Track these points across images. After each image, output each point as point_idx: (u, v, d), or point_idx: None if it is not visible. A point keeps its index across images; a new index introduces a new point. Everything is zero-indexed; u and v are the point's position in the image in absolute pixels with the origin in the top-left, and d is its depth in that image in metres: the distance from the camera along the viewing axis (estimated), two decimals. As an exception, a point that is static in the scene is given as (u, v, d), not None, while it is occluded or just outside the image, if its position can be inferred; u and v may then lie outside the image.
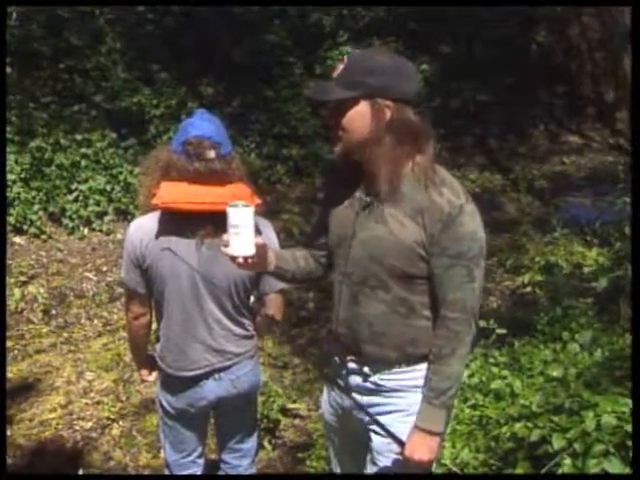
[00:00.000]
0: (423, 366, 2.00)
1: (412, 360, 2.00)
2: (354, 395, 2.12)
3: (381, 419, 2.06)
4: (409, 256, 1.90)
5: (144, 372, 2.70)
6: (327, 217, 2.10)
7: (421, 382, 2.01)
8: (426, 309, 1.97)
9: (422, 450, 1.95)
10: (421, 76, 9.11)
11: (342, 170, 2.05)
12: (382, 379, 2.04)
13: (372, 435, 2.09)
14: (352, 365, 2.09)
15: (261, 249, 1.95)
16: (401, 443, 1.99)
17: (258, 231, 2.33)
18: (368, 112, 1.86)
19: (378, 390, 2.06)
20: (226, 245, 1.90)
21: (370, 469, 2.12)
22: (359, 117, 1.86)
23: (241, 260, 1.90)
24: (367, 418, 2.10)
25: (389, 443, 2.04)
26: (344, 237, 2.01)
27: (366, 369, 2.06)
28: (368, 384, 2.07)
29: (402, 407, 2.02)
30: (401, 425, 2.01)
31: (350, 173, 2.00)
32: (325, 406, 2.29)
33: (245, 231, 1.88)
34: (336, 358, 2.18)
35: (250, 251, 1.90)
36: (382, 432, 2.05)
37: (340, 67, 1.87)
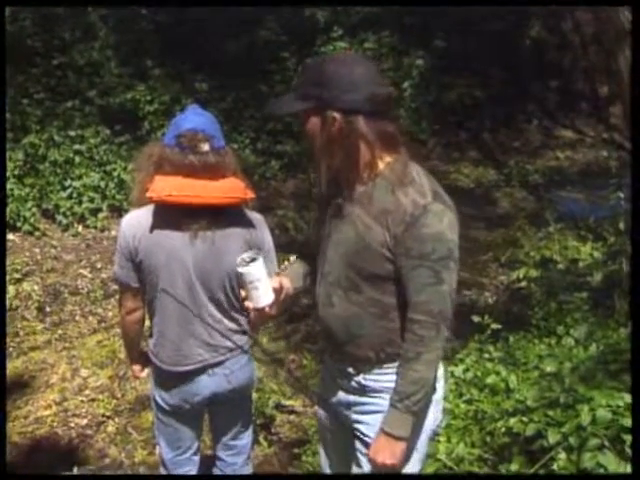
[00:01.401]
0: None
1: (392, 359, 1.98)
2: (342, 393, 2.12)
3: (365, 418, 2.06)
4: (375, 258, 1.89)
5: (136, 368, 2.70)
6: (318, 219, 2.13)
7: None
8: (398, 310, 1.95)
9: (384, 453, 1.95)
10: (416, 71, 9.14)
11: (324, 175, 2.07)
12: (366, 379, 2.04)
13: (357, 435, 2.09)
14: (337, 364, 2.11)
15: (279, 291, 2.01)
16: (366, 445, 2.01)
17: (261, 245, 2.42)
18: (318, 124, 1.87)
19: (363, 390, 2.06)
20: (245, 300, 1.99)
21: (355, 469, 2.12)
22: (312, 128, 1.89)
23: (267, 309, 1.98)
24: (353, 416, 2.10)
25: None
26: (322, 238, 2.04)
27: (350, 369, 2.06)
28: (353, 383, 2.07)
29: (384, 408, 2.00)
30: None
31: (333, 177, 2.01)
32: (319, 402, 2.30)
33: (261, 283, 1.96)
34: (326, 355, 2.21)
35: (271, 298, 1.98)
36: (369, 433, 2.04)
37: (297, 78, 1.90)
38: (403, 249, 1.85)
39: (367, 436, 2.05)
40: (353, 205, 1.93)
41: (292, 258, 2.26)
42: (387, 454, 1.95)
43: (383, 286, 1.93)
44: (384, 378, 2.01)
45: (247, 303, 2.00)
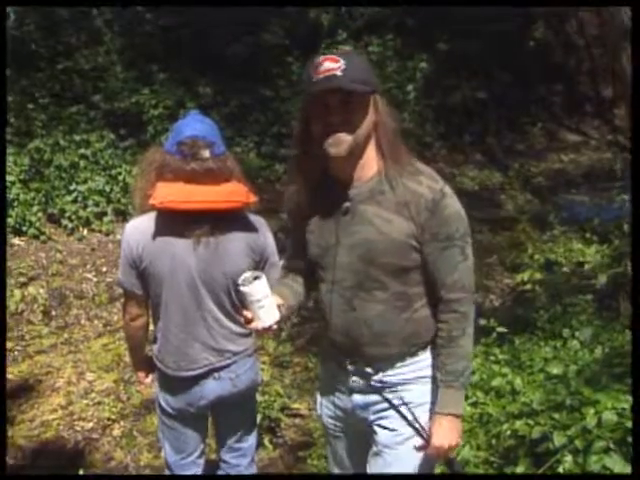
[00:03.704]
0: (424, 356, 2.02)
1: (414, 351, 2.01)
2: (356, 396, 2.10)
3: (386, 414, 2.06)
4: (402, 250, 1.91)
5: (141, 375, 2.70)
6: (303, 231, 2.08)
7: (424, 373, 2.03)
8: (422, 298, 1.99)
9: (452, 435, 1.96)
10: (420, 74, 9.14)
11: (310, 183, 2.04)
12: (385, 375, 2.04)
13: (377, 429, 2.08)
14: (353, 367, 2.08)
15: (282, 307, 1.97)
16: (424, 436, 1.99)
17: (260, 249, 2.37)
18: (372, 106, 1.88)
19: (382, 387, 2.05)
20: (250, 321, 1.92)
21: (374, 462, 2.11)
22: (369, 112, 1.87)
23: (275, 327, 1.93)
24: (371, 416, 2.09)
25: (396, 435, 2.04)
26: (327, 246, 2.00)
27: (368, 370, 2.05)
28: (372, 383, 2.06)
29: (407, 399, 2.03)
30: (407, 417, 2.01)
31: (319, 184, 2.00)
32: (323, 411, 2.26)
33: (268, 301, 1.89)
34: (332, 363, 2.16)
35: (277, 315, 1.92)
36: (392, 425, 2.05)
37: (337, 64, 1.82)
38: (429, 235, 1.90)
39: (394, 430, 2.04)
40: (363, 204, 1.93)
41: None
42: (455, 435, 1.97)
43: (408, 277, 1.95)
44: (403, 370, 2.03)
45: (254, 324, 1.91)
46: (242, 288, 1.88)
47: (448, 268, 1.93)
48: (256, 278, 1.88)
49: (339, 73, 1.80)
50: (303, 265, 2.14)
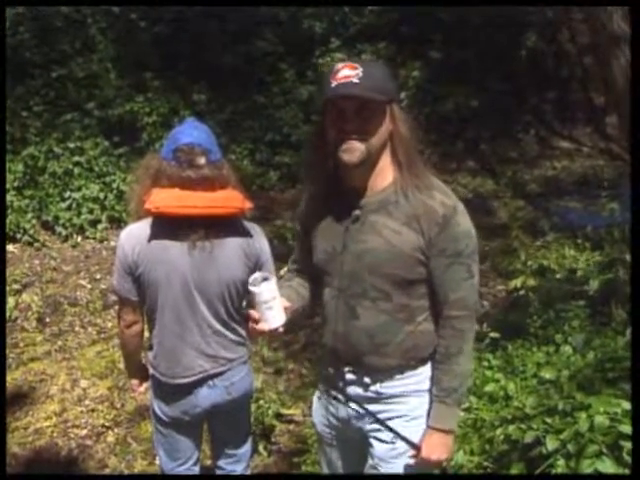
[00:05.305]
0: (423, 369, 2.03)
1: (413, 365, 2.02)
2: (352, 405, 2.10)
3: (382, 426, 2.06)
4: (408, 263, 1.92)
5: (135, 382, 2.71)
6: (310, 236, 2.09)
7: (422, 386, 2.03)
8: (424, 312, 1.99)
9: (440, 450, 1.98)
10: (412, 82, 9.18)
11: (322, 188, 2.06)
12: (383, 387, 2.04)
13: (374, 442, 2.08)
14: (350, 376, 2.08)
15: (288, 310, 1.98)
16: (413, 446, 2.01)
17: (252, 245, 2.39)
18: (388, 116, 1.89)
19: (379, 398, 2.06)
20: (257, 322, 1.93)
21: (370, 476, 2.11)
22: (385, 121, 1.88)
23: (281, 330, 1.94)
24: (367, 426, 2.09)
25: (392, 449, 2.04)
26: (333, 253, 2.01)
27: (366, 379, 2.05)
28: (369, 393, 2.06)
29: (403, 412, 2.03)
30: (403, 430, 2.03)
31: (331, 190, 2.01)
32: (318, 418, 2.27)
33: (275, 302, 1.91)
34: (330, 370, 2.16)
35: (284, 318, 1.93)
36: (388, 438, 2.05)
37: (355, 72, 1.82)
38: (437, 250, 1.90)
39: (391, 443, 2.05)
40: (374, 214, 1.93)
41: (283, 272, 2.17)
42: (443, 450, 1.99)
43: (412, 290, 1.96)
44: (401, 382, 2.03)
45: (260, 325, 1.92)
46: (251, 288, 1.91)
47: (452, 285, 1.93)
48: (265, 279, 1.90)
49: (356, 80, 1.81)
50: (309, 269, 2.14)
